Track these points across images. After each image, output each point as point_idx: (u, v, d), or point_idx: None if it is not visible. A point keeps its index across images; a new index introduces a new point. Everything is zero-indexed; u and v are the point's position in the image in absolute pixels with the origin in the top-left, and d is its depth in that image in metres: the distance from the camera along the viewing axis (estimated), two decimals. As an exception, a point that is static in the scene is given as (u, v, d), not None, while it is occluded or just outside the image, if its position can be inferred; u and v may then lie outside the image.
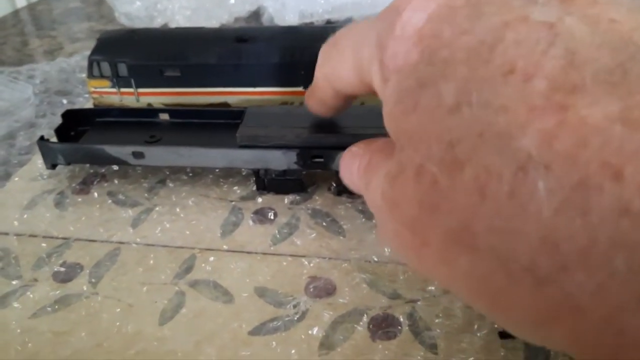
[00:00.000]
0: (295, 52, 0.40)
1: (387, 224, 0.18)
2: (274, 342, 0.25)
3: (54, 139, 0.37)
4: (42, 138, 0.35)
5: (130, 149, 0.34)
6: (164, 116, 0.39)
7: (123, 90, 0.43)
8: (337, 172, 0.33)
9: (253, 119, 0.34)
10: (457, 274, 0.15)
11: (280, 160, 0.33)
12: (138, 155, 0.34)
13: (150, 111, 0.39)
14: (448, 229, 0.15)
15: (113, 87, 0.43)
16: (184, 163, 0.34)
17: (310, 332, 0.26)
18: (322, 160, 0.32)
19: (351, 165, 0.23)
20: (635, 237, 0.12)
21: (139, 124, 0.38)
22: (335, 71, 0.24)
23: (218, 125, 0.37)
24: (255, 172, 0.34)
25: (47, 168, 0.37)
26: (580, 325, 0.13)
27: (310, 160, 0.32)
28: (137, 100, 0.43)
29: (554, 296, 0.13)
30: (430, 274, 0.17)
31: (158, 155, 0.34)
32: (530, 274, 0.13)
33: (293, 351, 0.25)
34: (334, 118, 0.33)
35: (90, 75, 0.42)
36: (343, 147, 0.31)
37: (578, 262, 0.12)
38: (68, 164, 0.36)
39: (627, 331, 0.12)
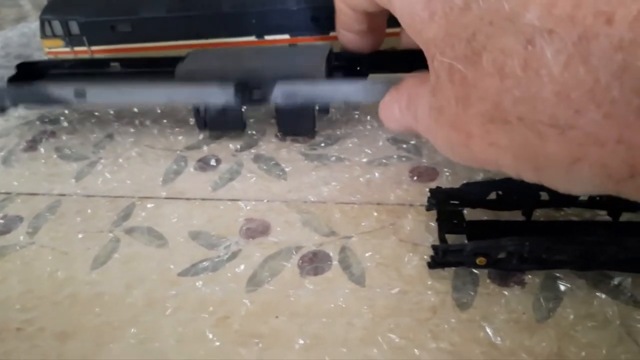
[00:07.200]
0: (246, 1, 0.39)
1: (439, 135, 0.21)
2: (200, 282, 0.25)
3: None
4: None
5: (72, 87, 0.33)
6: (115, 65, 0.38)
7: (77, 48, 0.42)
8: (277, 111, 0.32)
9: (194, 58, 0.34)
10: (502, 151, 0.18)
11: (218, 94, 0.32)
12: (79, 94, 0.33)
13: (102, 62, 0.39)
14: (483, 114, 0.18)
15: (66, 46, 0.42)
16: (125, 100, 0.34)
17: (237, 270, 0.25)
18: (260, 92, 0.31)
19: (392, 109, 0.25)
20: (627, 63, 0.14)
21: (92, 75, 0.38)
22: None
23: (169, 73, 0.36)
24: (196, 110, 0.34)
25: None
26: (601, 154, 0.15)
27: (249, 94, 0.32)
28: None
29: (576, 138, 0.16)
30: (483, 161, 0.19)
31: (99, 93, 0.33)
32: (553, 127, 0.16)
33: (217, 288, 0.24)
34: (273, 57, 0.32)
35: (43, 35, 0.42)
36: (281, 78, 0.31)
37: (587, 102, 0.15)
38: (15, 105, 0.36)
39: (634, 143, 0.15)
